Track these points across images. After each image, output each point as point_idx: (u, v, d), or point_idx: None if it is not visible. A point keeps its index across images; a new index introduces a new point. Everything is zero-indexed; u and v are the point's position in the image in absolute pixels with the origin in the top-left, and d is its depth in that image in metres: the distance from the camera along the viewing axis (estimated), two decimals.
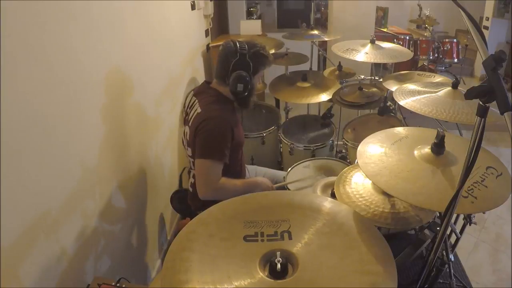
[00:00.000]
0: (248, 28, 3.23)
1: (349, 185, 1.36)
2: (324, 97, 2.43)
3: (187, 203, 1.75)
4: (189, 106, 1.66)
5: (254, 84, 1.60)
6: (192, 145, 1.56)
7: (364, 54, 2.23)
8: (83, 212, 1.27)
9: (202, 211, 1.06)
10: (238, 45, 1.52)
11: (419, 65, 4.59)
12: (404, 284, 1.76)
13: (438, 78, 2.17)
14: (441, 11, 5.52)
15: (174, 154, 2.31)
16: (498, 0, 4.98)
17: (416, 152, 1.15)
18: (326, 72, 2.76)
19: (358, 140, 2.00)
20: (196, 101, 1.61)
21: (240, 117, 1.78)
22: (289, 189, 1.75)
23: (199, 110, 1.55)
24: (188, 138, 1.60)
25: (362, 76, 2.64)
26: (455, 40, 4.26)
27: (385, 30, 5.06)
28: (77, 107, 1.22)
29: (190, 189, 1.71)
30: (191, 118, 1.58)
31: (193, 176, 1.65)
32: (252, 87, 1.58)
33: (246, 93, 1.55)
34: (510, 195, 1.03)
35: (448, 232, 1.49)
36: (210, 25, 3.17)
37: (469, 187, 1.03)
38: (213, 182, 1.51)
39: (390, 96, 2.27)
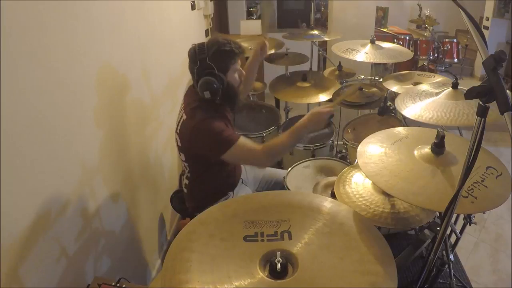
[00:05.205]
0: (248, 28, 3.23)
1: (349, 185, 1.36)
2: (324, 97, 2.43)
3: None
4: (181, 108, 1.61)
5: (232, 81, 1.51)
6: (184, 150, 1.54)
7: (364, 54, 2.23)
8: (83, 212, 1.27)
9: (199, 212, 1.06)
10: (197, 51, 1.45)
11: (419, 65, 4.59)
12: (404, 284, 1.76)
13: (438, 78, 2.17)
14: (441, 11, 5.51)
15: (174, 154, 2.31)
16: (498, 0, 4.97)
17: (416, 152, 1.15)
18: (326, 72, 2.75)
19: (358, 140, 2.00)
20: (182, 103, 1.57)
21: (229, 116, 1.67)
22: (289, 189, 1.75)
23: (184, 116, 1.49)
24: (180, 144, 1.54)
25: (362, 76, 2.64)
26: (455, 40, 4.26)
27: (385, 30, 5.06)
28: (77, 107, 1.22)
29: (185, 190, 1.70)
30: (178, 123, 1.54)
31: (187, 178, 1.64)
32: (229, 85, 1.50)
33: (219, 96, 1.47)
34: (510, 195, 1.03)
35: (448, 232, 1.49)
36: (210, 25, 3.17)
37: (469, 187, 1.03)
38: (255, 154, 1.45)
39: (390, 96, 2.27)
